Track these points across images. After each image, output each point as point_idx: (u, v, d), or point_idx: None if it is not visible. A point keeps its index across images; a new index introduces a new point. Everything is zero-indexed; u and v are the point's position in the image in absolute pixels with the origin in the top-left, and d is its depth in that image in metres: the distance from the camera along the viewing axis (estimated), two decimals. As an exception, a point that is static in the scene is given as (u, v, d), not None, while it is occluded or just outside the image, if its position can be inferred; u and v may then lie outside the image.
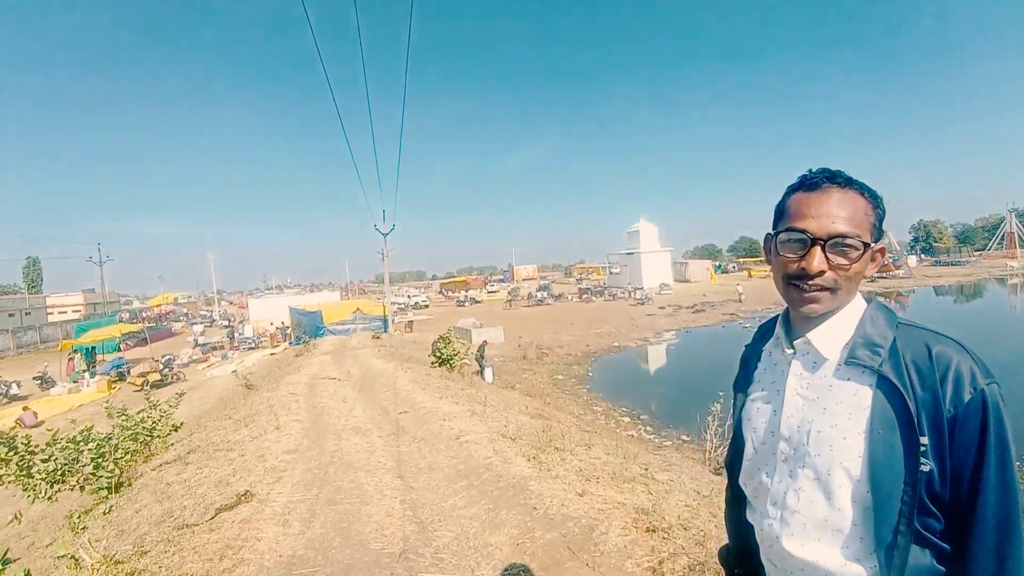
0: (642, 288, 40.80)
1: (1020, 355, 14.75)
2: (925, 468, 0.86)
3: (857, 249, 0.93)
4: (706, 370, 16.09)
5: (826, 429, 0.94)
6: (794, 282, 0.97)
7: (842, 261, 0.93)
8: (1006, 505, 0.84)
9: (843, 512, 0.91)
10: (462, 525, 3.64)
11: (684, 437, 10.26)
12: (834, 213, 0.94)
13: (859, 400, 0.93)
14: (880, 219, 0.98)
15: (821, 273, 0.93)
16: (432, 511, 3.93)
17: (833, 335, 0.99)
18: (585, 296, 42.50)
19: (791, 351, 1.04)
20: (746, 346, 1.25)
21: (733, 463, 1.20)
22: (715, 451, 7.68)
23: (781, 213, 1.02)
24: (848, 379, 0.95)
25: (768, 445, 1.04)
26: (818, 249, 0.93)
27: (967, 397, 0.86)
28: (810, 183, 0.98)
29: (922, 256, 65.79)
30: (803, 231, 0.94)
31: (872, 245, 0.95)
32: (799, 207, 0.97)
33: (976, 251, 67.34)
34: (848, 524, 0.91)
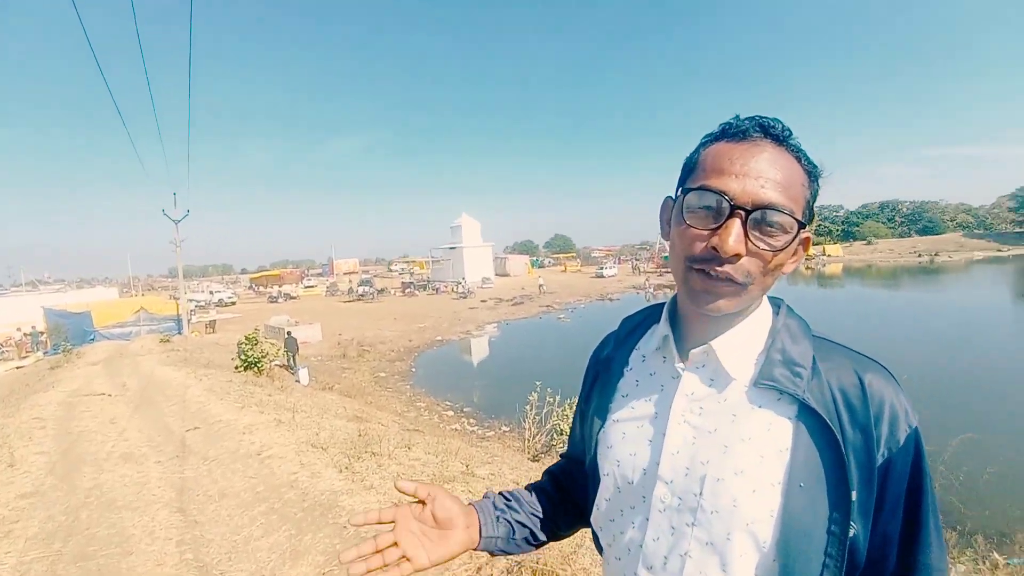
0: (465, 282, 41.61)
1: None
2: (852, 531, 0.65)
3: (788, 231, 0.66)
4: (525, 360, 16.95)
5: (728, 476, 0.68)
6: (698, 266, 0.68)
7: (766, 243, 0.66)
8: (942, 561, 0.68)
9: None
10: (257, 560, 3.13)
11: (505, 427, 10.58)
12: (765, 174, 0.66)
13: (775, 437, 0.68)
14: (814, 197, 0.72)
15: (737, 257, 0.65)
16: (220, 548, 3.33)
17: (743, 345, 0.73)
18: (408, 290, 42.06)
19: (682, 364, 0.76)
20: (601, 345, 0.95)
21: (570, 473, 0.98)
22: (533, 439, 7.99)
23: (692, 167, 0.72)
24: (760, 407, 0.70)
25: (639, 486, 0.75)
26: (737, 222, 0.65)
27: (902, 438, 0.67)
28: (737, 131, 0.69)
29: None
30: (721, 193, 0.66)
31: (802, 229, 0.69)
32: (718, 160, 0.68)
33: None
34: None
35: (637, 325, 0.90)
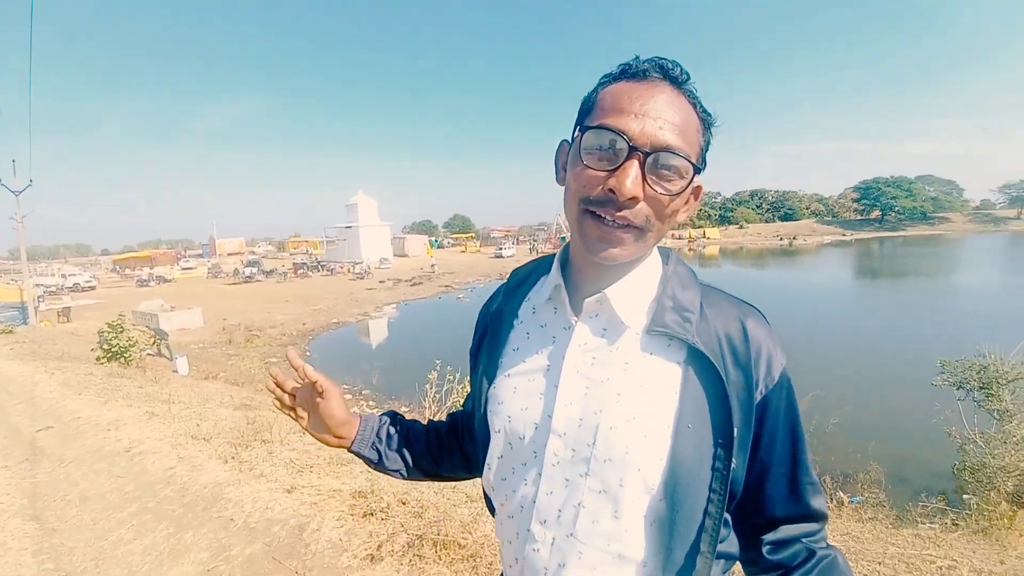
0: (362, 262, 40.25)
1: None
2: (735, 465, 0.69)
3: (684, 176, 0.66)
4: (425, 339, 16.84)
5: (621, 424, 0.68)
6: (596, 207, 0.66)
7: (663, 188, 0.65)
8: (815, 477, 0.76)
9: (633, 532, 0.69)
10: (129, 565, 2.88)
11: (405, 408, 10.48)
12: (664, 116, 0.64)
13: (665, 382, 0.69)
14: (707, 146, 0.72)
15: (634, 201, 0.64)
16: (85, 555, 3.03)
17: (637, 293, 0.73)
18: (301, 272, 39.86)
19: (575, 317, 0.75)
20: (491, 299, 0.92)
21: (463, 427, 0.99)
22: (434, 416, 8.01)
23: (590, 107, 0.70)
24: (651, 353, 0.71)
25: (531, 441, 0.74)
26: (635, 164, 0.63)
27: (777, 376, 0.71)
28: (636, 71, 0.68)
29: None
30: (620, 132, 0.63)
31: (697, 175, 0.68)
32: (617, 99, 0.66)
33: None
34: (638, 548, 0.69)
35: (527, 275, 0.87)
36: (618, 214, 0.65)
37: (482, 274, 36.45)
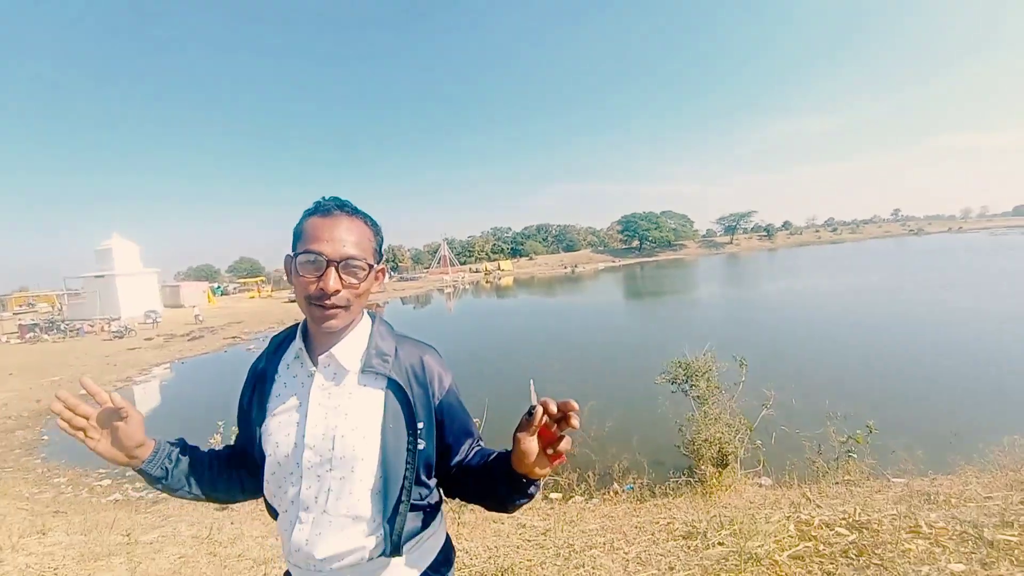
0: (119, 318, 34.00)
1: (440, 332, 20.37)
2: (421, 446, 1.09)
3: (364, 270, 1.06)
4: (204, 400, 14.92)
5: (348, 432, 1.05)
6: (315, 302, 1.04)
7: (353, 280, 1.05)
8: (475, 429, 1.22)
9: (362, 501, 1.05)
10: None
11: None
12: (344, 238, 1.04)
13: (375, 400, 1.08)
14: (380, 244, 1.14)
15: (336, 292, 1.03)
16: None
17: (353, 348, 1.11)
18: (31, 335, 31.89)
19: (314, 368, 1.10)
20: (257, 360, 1.24)
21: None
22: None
23: (299, 235, 1.08)
24: (366, 385, 1.09)
25: (292, 457, 1.07)
26: (332, 270, 1.02)
27: (447, 387, 1.15)
28: (323, 209, 1.07)
29: (391, 273, 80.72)
30: (319, 253, 1.02)
31: (375, 266, 1.10)
32: (315, 231, 1.05)
33: (424, 268, 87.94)
34: (366, 509, 1.05)
35: (283, 341, 1.22)
36: (329, 301, 1.04)
37: (276, 321, 33.59)
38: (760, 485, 5.55)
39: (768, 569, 2.68)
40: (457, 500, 1.22)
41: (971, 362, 11.54)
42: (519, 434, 0.92)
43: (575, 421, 0.86)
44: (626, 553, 3.21)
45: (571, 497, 5.80)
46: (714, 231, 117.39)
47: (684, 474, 6.08)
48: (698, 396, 6.60)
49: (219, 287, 61.25)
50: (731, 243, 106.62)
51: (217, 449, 1.28)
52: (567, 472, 6.42)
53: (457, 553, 1.61)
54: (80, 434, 1.05)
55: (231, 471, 1.24)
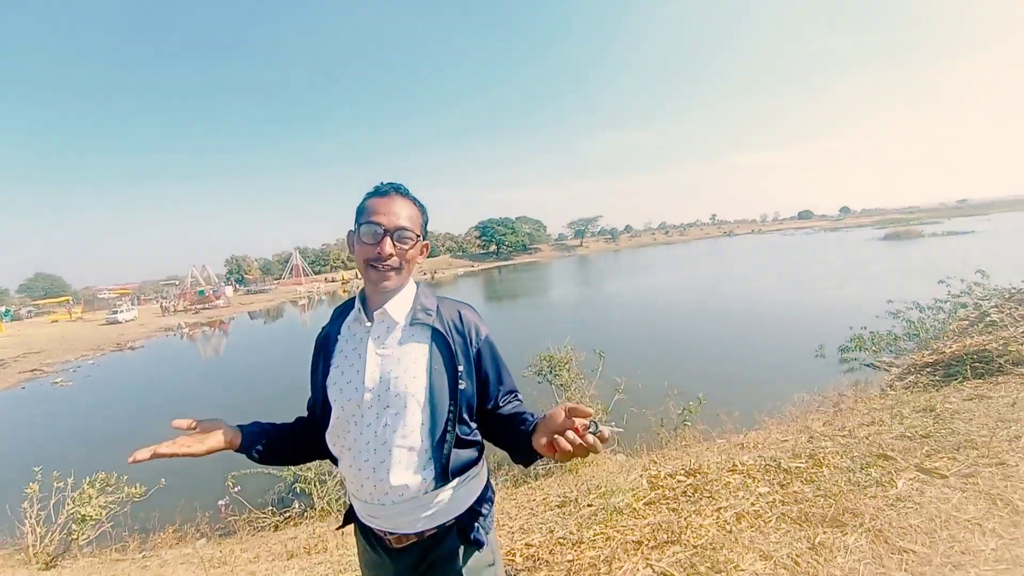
0: None
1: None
2: (463, 386, 1.27)
3: (413, 240, 1.28)
4: (11, 447, 12.51)
5: (401, 374, 1.23)
6: (372, 263, 1.25)
7: (404, 247, 1.27)
8: (511, 379, 1.40)
9: (415, 432, 1.22)
10: None
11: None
12: (398, 212, 1.27)
13: (422, 348, 1.27)
14: (426, 222, 1.36)
15: (390, 256, 1.24)
16: None
17: (402, 305, 1.31)
18: None
19: (370, 323, 1.30)
20: (322, 330, 1.42)
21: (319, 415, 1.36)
22: (44, 540, 6.25)
23: (362, 211, 1.28)
24: (413, 335, 1.28)
25: (354, 400, 1.25)
26: (388, 238, 1.24)
27: (483, 336, 1.34)
28: (382, 191, 1.29)
29: (237, 286, 73.71)
30: (378, 224, 1.24)
31: (422, 239, 1.33)
32: (374, 206, 1.27)
33: (275, 279, 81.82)
34: (418, 441, 1.22)
35: (343, 311, 1.41)
36: (385, 263, 1.26)
37: (90, 348, 28.58)
38: (617, 459, 6.27)
39: (629, 515, 3.18)
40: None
41: (772, 338, 14.13)
42: (555, 436, 1.05)
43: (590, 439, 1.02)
44: (510, 527, 3.53)
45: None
46: (565, 235, 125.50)
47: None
48: (561, 384, 7.23)
49: (7, 311, 50.95)
50: (581, 246, 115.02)
51: (293, 425, 1.45)
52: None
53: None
54: (178, 453, 1.18)
55: (309, 439, 1.40)
